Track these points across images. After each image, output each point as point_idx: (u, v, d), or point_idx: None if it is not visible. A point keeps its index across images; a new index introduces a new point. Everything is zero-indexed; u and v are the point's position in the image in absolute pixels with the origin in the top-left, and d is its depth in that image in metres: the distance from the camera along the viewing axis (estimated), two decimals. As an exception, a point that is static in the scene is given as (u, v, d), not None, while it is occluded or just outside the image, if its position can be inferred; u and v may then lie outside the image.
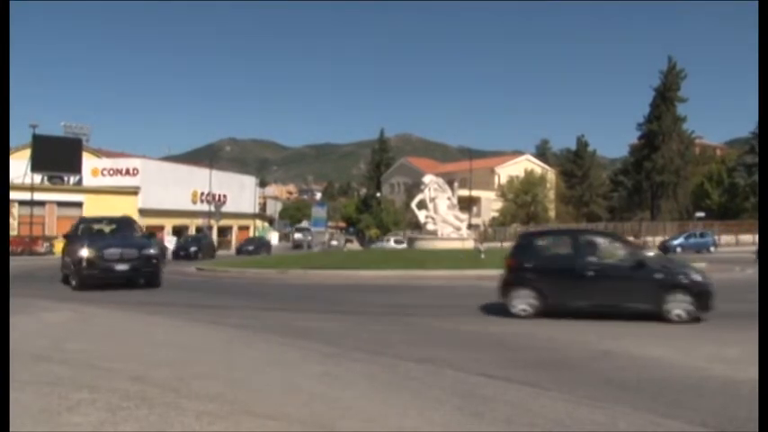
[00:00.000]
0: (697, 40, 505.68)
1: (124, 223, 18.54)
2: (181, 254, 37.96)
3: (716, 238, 42.84)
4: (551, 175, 72.82)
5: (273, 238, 66.82)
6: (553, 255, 11.04)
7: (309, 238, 65.78)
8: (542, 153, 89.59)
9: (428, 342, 8.06)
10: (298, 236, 70.81)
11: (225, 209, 55.18)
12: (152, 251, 15.88)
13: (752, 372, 5.73)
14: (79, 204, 49.09)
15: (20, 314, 9.06)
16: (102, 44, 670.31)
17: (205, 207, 53.84)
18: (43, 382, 5.21)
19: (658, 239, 46.30)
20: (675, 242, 41.90)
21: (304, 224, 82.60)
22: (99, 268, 15.04)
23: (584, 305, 9.98)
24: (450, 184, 35.16)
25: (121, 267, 15.24)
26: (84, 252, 15.13)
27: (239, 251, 47.32)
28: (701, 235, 43.78)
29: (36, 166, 46.10)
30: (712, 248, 39.55)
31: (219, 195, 56.32)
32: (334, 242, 69.29)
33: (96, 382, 5.19)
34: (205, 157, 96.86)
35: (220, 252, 46.75)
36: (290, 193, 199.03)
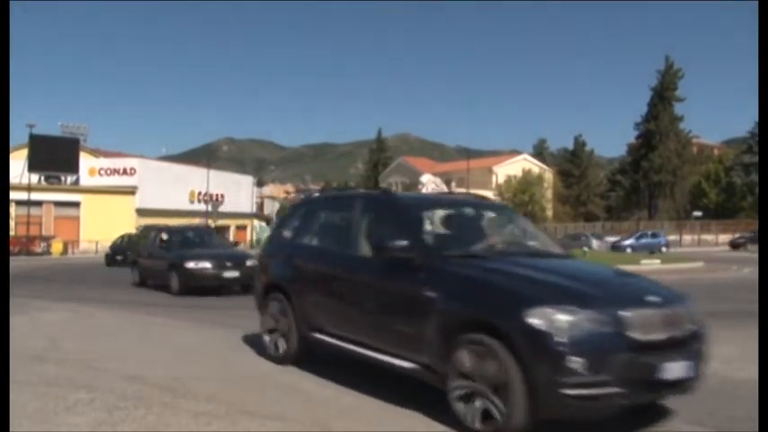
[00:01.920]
0: (695, 39, 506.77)
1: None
2: (117, 258, 27.98)
3: (667, 238, 43.65)
4: (549, 174, 72.94)
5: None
6: None
7: None
8: (540, 153, 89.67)
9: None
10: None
11: (222, 208, 55.13)
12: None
13: (749, 371, 5.74)
14: (76, 204, 49.09)
15: (17, 314, 9.04)
16: (99, 44, 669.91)
17: (203, 207, 53.81)
18: (40, 382, 5.19)
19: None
20: (626, 242, 42.22)
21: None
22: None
23: None
24: (448, 183, 35.20)
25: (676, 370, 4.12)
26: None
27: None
28: (653, 235, 44.19)
29: (33, 165, 46.07)
30: (664, 249, 39.78)
31: (217, 195, 56.26)
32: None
33: (94, 383, 5.18)
34: (203, 156, 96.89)
35: None
36: (288, 192, 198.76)
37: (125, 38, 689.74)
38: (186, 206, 54.72)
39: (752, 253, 31.68)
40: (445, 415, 4.29)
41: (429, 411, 4.55)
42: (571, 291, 4.17)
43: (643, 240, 41.91)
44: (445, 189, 31.95)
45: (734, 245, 42.33)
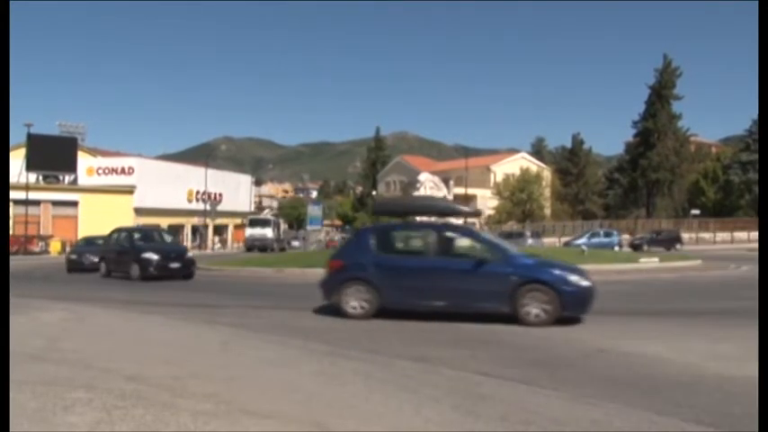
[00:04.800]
0: (693, 37, 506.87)
1: None
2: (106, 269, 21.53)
3: (620, 238, 44.22)
4: (547, 172, 72.95)
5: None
6: None
7: (271, 235, 48.10)
8: (538, 151, 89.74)
9: (424, 340, 8.07)
10: (253, 232, 49.03)
11: (221, 208, 55.10)
12: None
13: (746, 369, 5.76)
14: (74, 204, 49.04)
15: (15, 314, 9.02)
16: (97, 43, 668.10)
17: (201, 206, 53.77)
18: (39, 381, 5.19)
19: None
20: (579, 242, 42.36)
21: (265, 214, 60.65)
22: None
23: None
24: (446, 182, 35.12)
25: None
26: None
27: None
28: (606, 234, 44.39)
29: (31, 165, 46.01)
30: (616, 248, 40.04)
31: (215, 194, 56.26)
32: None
33: (92, 382, 5.18)
34: (201, 155, 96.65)
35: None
36: (286, 191, 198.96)
37: (123, 37, 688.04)
38: (185, 205, 54.71)
39: (649, 254, 31.71)
40: (437, 408, 4.29)
41: (425, 408, 4.56)
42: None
43: (595, 240, 41.98)
44: (443, 188, 31.95)
45: (633, 245, 43.07)
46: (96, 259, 22.93)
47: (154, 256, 19.29)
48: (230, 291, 16.06)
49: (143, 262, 19.10)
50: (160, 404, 4.54)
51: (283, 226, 55.45)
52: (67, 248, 41.68)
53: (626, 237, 52.83)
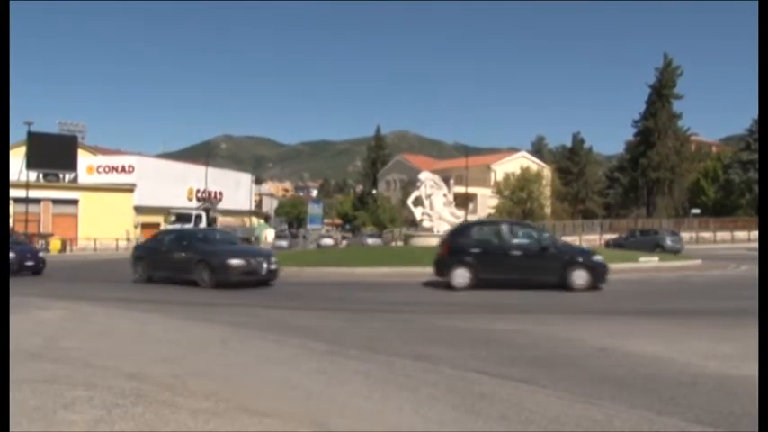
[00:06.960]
0: (693, 37, 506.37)
1: None
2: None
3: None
4: (547, 171, 72.86)
5: (270, 234, 65.66)
6: None
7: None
8: (538, 150, 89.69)
9: (424, 339, 8.06)
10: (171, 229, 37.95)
11: (221, 206, 55.16)
12: None
13: (746, 368, 5.76)
14: (75, 202, 49.08)
15: (15, 312, 9.03)
16: (97, 42, 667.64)
17: (201, 204, 53.77)
18: (38, 380, 5.19)
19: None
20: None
21: (200, 207, 47.88)
22: None
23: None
24: (446, 181, 35.09)
25: None
26: None
27: None
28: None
29: (31, 163, 46.03)
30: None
31: (215, 193, 56.31)
32: (328, 240, 51.60)
33: (92, 380, 5.18)
34: (201, 154, 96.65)
35: None
36: (286, 190, 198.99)
37: (123, 36, 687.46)
38: (184, 204, 54.70)
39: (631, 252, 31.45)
40: (437, 407, 4.29)
41: (425, 407, 4.56)
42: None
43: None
44: (443, 186, 31.92)
45: (607, 246, 43.44)
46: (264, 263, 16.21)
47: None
48: (229, 290, 16.04)
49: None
50: (160, 402, 4.54)
51: (243, 222, 51.95)
52: (135, 239, 37.84)
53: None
